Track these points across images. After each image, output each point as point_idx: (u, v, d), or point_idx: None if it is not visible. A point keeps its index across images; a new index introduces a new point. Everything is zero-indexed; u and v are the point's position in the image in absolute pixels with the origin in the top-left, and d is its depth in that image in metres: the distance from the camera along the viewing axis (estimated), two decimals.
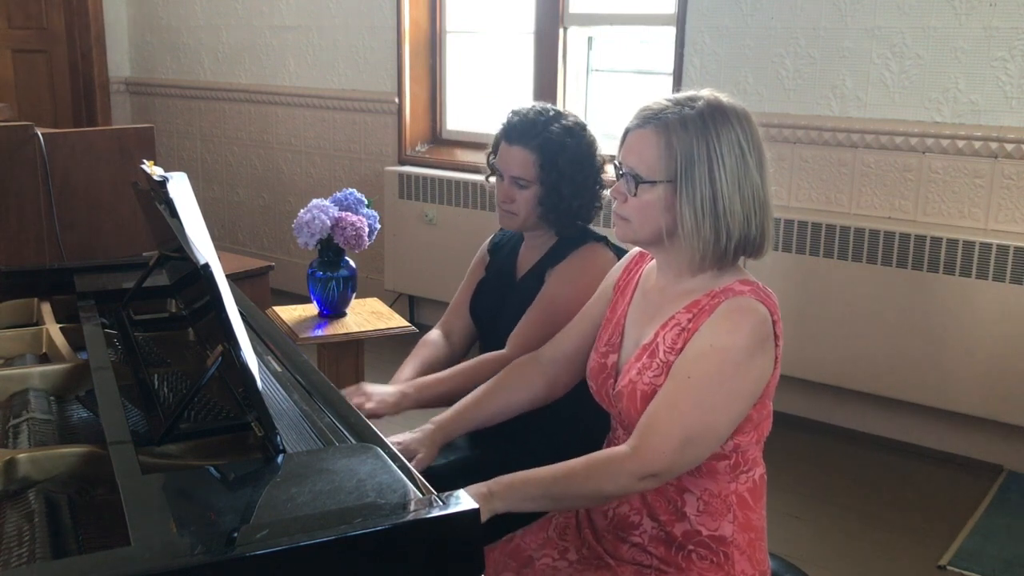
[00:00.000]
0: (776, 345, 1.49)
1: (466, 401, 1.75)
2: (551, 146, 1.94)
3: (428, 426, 1.70)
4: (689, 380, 1.44)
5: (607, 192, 1.95)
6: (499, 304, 2.09)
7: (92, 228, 3.28)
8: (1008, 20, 3.10)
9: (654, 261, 1.63)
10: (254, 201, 5.43)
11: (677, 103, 1.49)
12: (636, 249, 1.70)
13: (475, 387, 1.82)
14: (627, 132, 1.53)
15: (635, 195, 1.50)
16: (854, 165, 3.45)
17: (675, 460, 1.44)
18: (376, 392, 1.83)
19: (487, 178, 2.06)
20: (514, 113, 2.00)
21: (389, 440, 1.63)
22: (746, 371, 1.45)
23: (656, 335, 1.52)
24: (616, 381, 1.58)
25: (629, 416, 1.53)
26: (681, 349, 1.48)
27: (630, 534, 1.56)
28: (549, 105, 2.03)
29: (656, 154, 1.47)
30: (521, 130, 1.96)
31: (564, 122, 1.98)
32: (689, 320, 1.49)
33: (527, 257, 2.09)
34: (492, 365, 1.91)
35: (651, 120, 1.49)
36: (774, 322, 1.48)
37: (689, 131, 1.46)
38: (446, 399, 1.87)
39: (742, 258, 1.54)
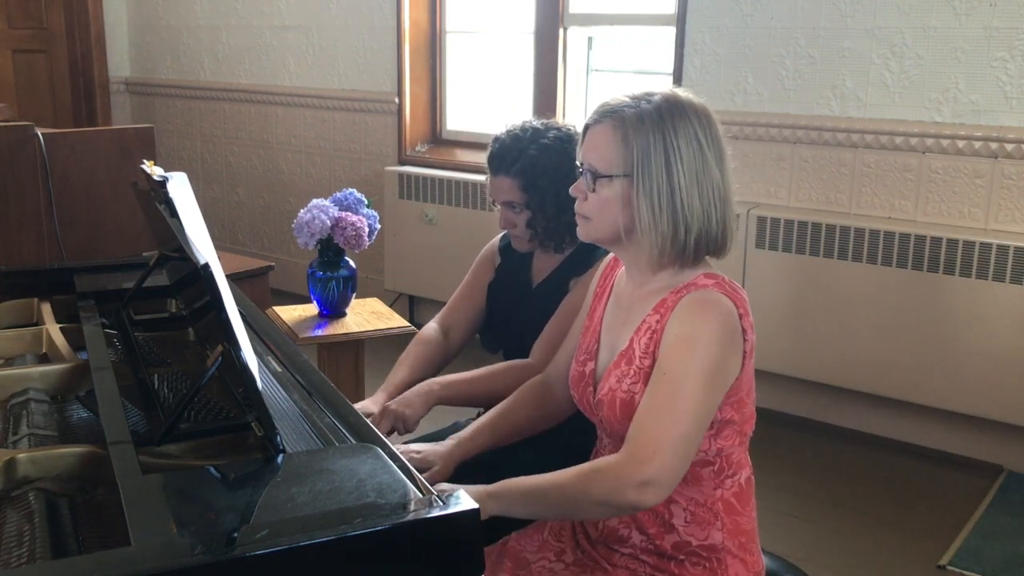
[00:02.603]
0: (745, 340, 1.47)
1: (483, 422, 1.76)
2: (529, 170, 1.94)
3: (448, 442, 1.70)
4: (665, 376, 1.43)
5: None
6: (513, 309, 2.09)
7: (92, 228, 3.28)
8: (1008, 20, 3.10)
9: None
10: (254, 201, 5.43)
11: (634, 98, 1.49)
12: (612, 255, 1.68)
13: (500, 391, 1.85)
14: (586, 129, 1.53)
15: (594, 191, 1.49)
16: (854, 165, 3.45)
17: (669, 459, 1.40)
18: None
19: (493, 202, 2.07)
20: (494, 140, 2.01)
21: (408, 447, 1.65)
22: (716, 359, 1.42)
23: (631, 341, 1.51)
24: (596, 389, 1.57)
25: (611, 424, 1.52)
26: (654, 352, 1.47)
27: (621, 547, 1.56)
28: (531, 122, 2.01)
29: (613, 149, 1.47)
30: (500, 158, 1.98)
31: (543, 140, 1.96)
32: (657, 321, 1.48)
33: (543, 264, 2.08)
34: (518, 373, 1.92)
35: (608, 115, 1.48)
36: (740, 316, 1.46)
37: (645, 124, 1.45)
38: (472, 400, 1.93)
39: (707, 257, 1.53)
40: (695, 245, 1.48)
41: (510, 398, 1.78)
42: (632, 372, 1.49)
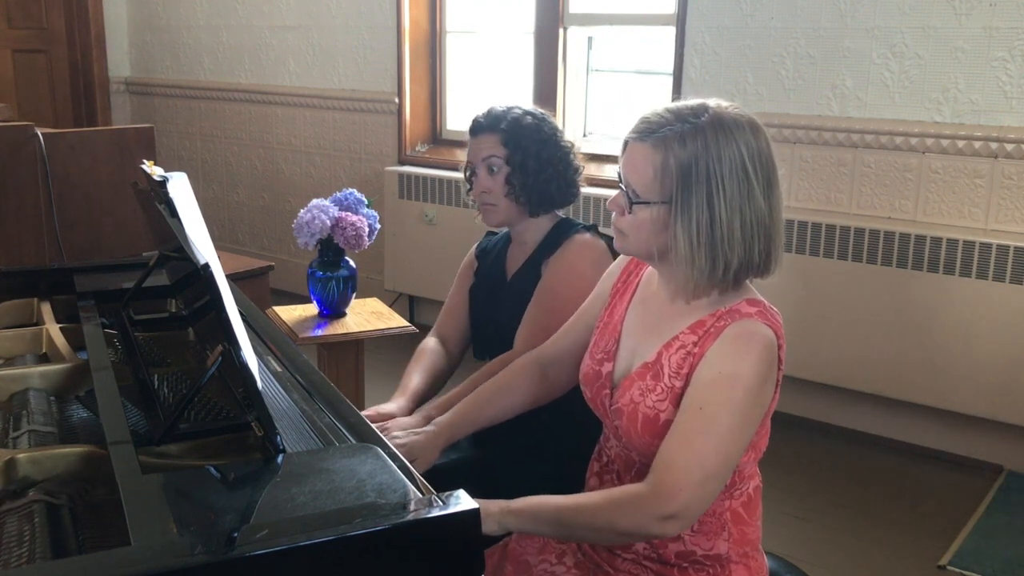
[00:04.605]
0: (779, 369, 1.45)
1: (467, 403, 1.74)
2: (513, 126, 2.02)
3: (430, 428, 1.69)
4: (701, 411, 1.39)
5: (585, 184, 2.10)
6: (492, 307, 2.10)
7: (92, 228, 3.28)
8: (1008, 20, 3.10)
9: None
10: (254, 201, 5.43)
11: (679, 117, 1.41)
12: None
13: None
14: (626, 143, 1.47)
15: (631, 212, 1.45)
16: (854, 165, 3.45)
17: (695, 496, 1.38)
18: (405, 431, 1.77)
19: (468, 192, 2.10)
20: (476, 114, 2.10)
21: (387, 438, 1.64)
22: (756, 398, 1.40)
23: (660, 355, 1.47)
24: (613, 393, 1.54)
25: (628, 435, 1.50)
26: (688, 374, 1.43)
27: (623, 552, 1.54)
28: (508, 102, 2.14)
29: (652, 173, 1.41)
30: (484, 122, 2.06)
31: (524, 107, 2.07)
32: (695, 343, 1.44)
33: (516, 257, 2.11)
34: (506, 363, 1.90)
35: (649, 135, 1.42)
36: (779, 346, 1.43)
37: (688, 150, 1.38)
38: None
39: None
40: (734, 276, 1.43)
41: (497, 378, 1.76)
42: (659, 389, 1.46)
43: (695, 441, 1.38)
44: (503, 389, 1.74)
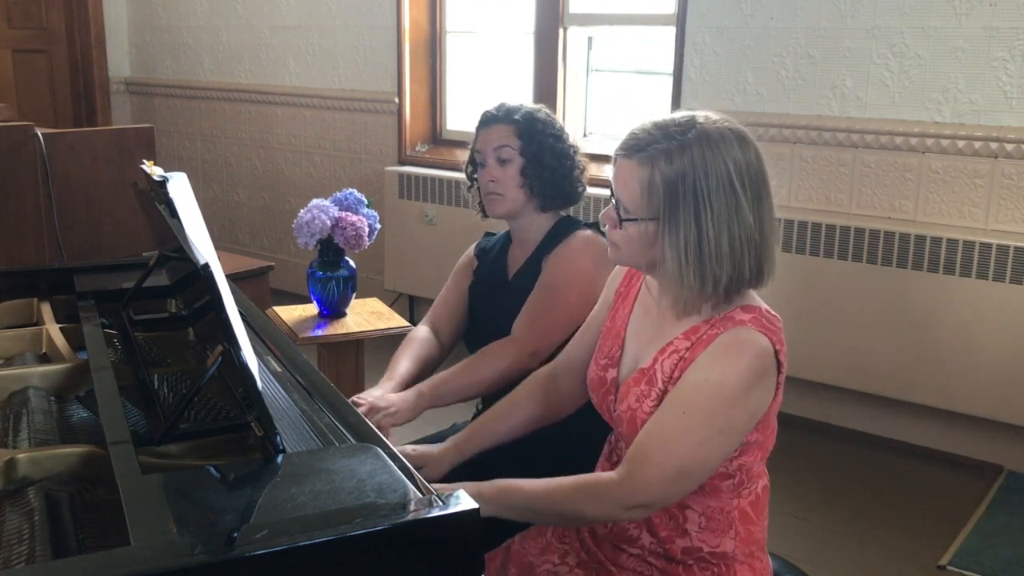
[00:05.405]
0: (779, 372, 1.44)
1: (482, 419, 1.74)
2: (528, 119, 2.04)
3: (445, 444, 1.69)
4: (684, 415, 1.39)
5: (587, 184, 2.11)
6: (491, 306, 2.10)
7: (92, 228, 3.28)
8: (1008, 20, 3.10)
9: None
10: (254, 201, 5.43)
11: (666, 134, 1.40)
12: None
13: (486, 375, 1.86)
14: (615, 159, 1.47)
15: (621, 227, 1.45)
16: (854, 165, 3.45)
17: (665, 491, 1.40)
18: (392, 400, 1.85)
19: (469, 189, 2.10)
20: (487, 108, 2.11)
21: (404, 447, 1.66)
22: (742, 407, 1.40)
23: (654, 360, 1.48)
24: (616, 399, 1.55)
25: (629, 441, 1.50)
26: (678, 379, 1.44)
27: (629, 547, 1.54)
28: None
29: (639, 190, 1.41)
30: (498, 114, 2.07)
31: (534, 106, 2.10)
32: (687, 349, 1.44)
33: (517, 256, 2.10)
34: (499, 348, 1.94)
35: (636, 152, 1.41)
36: (777, 351, 1.43)
37: (674, 167, 1.38)
38: (463, 391, 1.93)
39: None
40: (725, 292, 1.43)
41: (513, 394, 1.76)
42: (654, 395, 1.47)
43: (674, 441, 1.39)
44: (519, 404, 1.74)
